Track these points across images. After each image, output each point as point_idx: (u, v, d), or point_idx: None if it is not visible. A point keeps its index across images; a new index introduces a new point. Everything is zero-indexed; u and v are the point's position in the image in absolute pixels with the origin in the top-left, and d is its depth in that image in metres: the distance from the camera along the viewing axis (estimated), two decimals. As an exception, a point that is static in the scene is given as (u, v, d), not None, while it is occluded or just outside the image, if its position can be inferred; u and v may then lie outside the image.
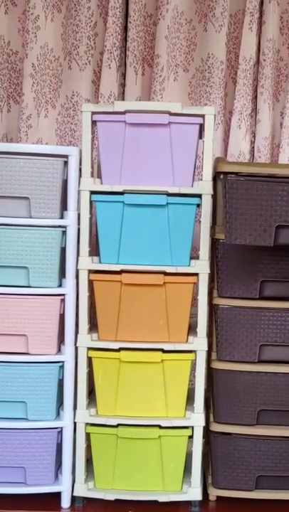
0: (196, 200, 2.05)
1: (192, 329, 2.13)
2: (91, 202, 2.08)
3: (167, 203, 2.04)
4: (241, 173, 1.95)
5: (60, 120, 2.71)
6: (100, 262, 2.07)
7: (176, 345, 2.08)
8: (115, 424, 2.09)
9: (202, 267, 2.07)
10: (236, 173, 1.96)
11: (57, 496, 2.12)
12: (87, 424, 2.11)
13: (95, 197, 2.05)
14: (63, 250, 2.08)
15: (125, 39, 2.66)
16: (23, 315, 2.06)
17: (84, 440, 2.12)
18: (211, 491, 2.17)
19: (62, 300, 2.08)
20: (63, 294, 2.08)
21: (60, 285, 2.09)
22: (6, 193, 2.04)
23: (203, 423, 2.11)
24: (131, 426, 2.09)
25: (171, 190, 2.04)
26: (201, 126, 2.06)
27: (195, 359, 2.09)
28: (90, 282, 2.09)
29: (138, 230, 2.04)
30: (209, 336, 2.16)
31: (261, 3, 2.63)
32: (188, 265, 2.07)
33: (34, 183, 2.04)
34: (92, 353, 2.09)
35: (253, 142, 2.67)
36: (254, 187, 1.85)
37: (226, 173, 1.96)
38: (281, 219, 1.86)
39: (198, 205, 2.07)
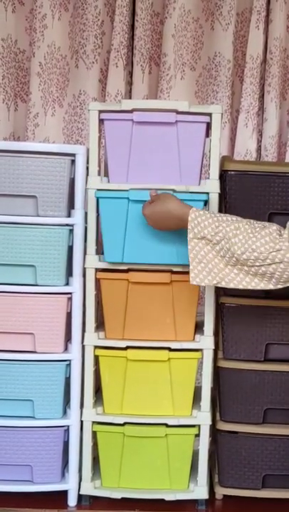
0: (202, 197, 2.04)
1: (199, 328, 2.13)
2: (98, 200, 2.08)
3: (174, 201, 2.03)
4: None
5: (67, 119, 2.71)
6: (104, 261, 2.07)
7: (182, 343, 2.08)
8: (122, 422, 2.09)
9: (209, 265, 2.07)
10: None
11: (63, 494, 2.12)
12: (93, 422, 2.11)
13: (98, 193, 2.04)
14: (70, 249, 2.08)
15: (132, 38, 2.66)
16: (30, 313, 2.06)
17: (90, 438, 2.12)
18: (217, 489, 2.17)
19: (69, 298, 2.08)
20: (70, 293, 2.08)
21: (67, 284, 2.09)
22: (13, 192, 2.04)
23: (209, 422, 2.11)
24: (137, 424, 2.09)
25: (178, 189, 2.03)
26: (208, 125, 2.06)
27: (202, 358, 2.09)
28: (97, 281, 2.09)
29: (144, 228, 2.03)
30: (216, 334, 2.16)
31: (268, 2, 2.63)
32: (195, 264, 2.06)
33: (41, 181, 2.04)
34: (98, 352, 2.09)
35: (259, 141, 2.67)
36: (249, 180, 2.04)
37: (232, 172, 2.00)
38: (273, 207, 2.04)
39: (205, 203, 2.06)
